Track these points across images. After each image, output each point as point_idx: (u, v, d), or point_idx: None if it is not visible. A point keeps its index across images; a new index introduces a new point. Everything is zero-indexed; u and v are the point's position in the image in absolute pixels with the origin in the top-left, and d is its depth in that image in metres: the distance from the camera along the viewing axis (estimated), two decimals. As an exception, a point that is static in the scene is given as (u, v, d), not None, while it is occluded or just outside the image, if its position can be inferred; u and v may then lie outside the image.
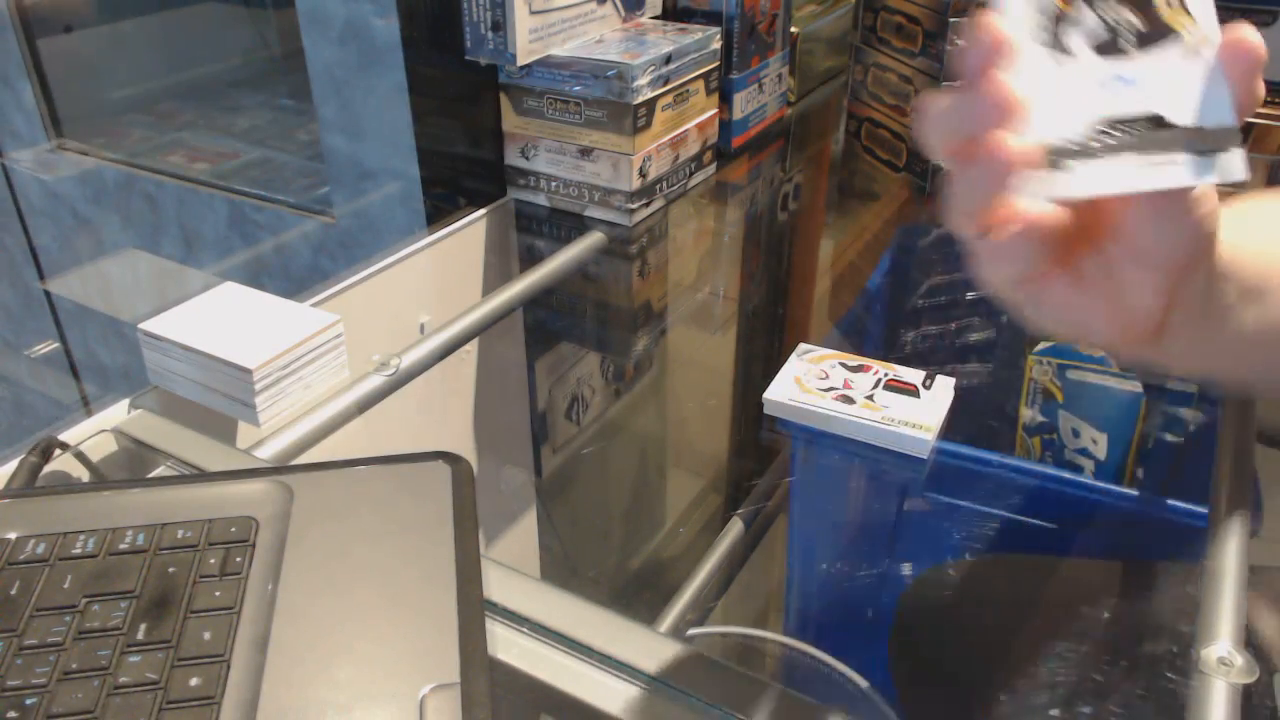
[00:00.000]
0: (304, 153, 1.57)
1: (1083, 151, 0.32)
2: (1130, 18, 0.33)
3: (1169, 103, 0.32)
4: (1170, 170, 0.31)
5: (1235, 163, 0.31)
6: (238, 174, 1.60)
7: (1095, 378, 0.72)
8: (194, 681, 0.40)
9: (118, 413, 0.65)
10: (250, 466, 0.58)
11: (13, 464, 0.57)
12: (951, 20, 0.93)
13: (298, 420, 0.65)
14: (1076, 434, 0.72)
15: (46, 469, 0.58)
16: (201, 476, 0.56)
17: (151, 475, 0.60)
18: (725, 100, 1.04)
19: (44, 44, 1.67)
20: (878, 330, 0.90)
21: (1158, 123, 0.32)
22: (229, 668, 0.41)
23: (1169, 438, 0.77)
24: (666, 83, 0.93)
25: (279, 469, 0.53)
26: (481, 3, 0.88)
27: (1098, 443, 0.70)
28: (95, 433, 0.62)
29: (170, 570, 0.45)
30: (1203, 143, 0.31)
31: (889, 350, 0.84)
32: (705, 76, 0.99)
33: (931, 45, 0.97)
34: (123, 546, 0.46)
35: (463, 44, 0.91)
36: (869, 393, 0.70)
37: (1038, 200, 0.32)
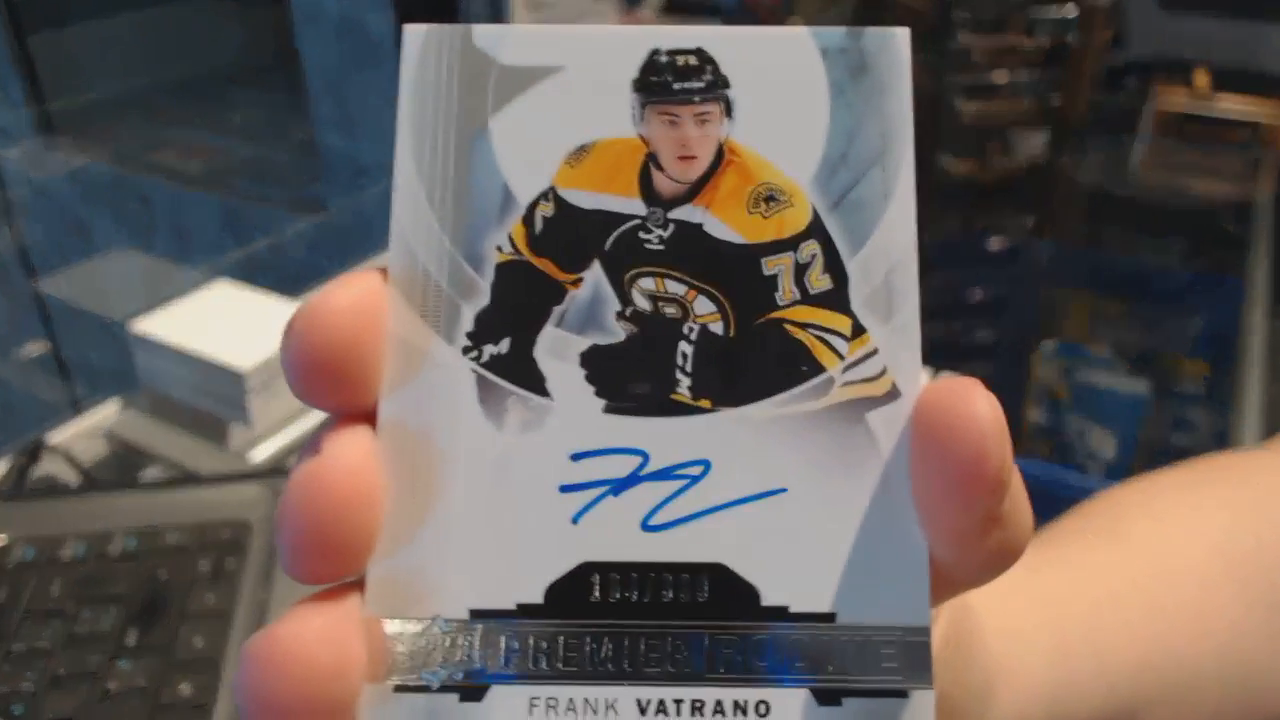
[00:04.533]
0: (298, 150, 1.56)
1: (518, 653, 0.15)
2: (704, 311, 0.15)
3: (761, 542, 0.15)
4: None
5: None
6: (231, 171, 1.59)
7: (1103, 379, 0.71)
8: (185, 688, 0.40)
9: (108, 414, 0.64)
10: (243, 469, 0.58)
11: (1, 466, 0.57)
12: (956, 15, 0.93)
13: (291, 422, 0.65)
14: (1083, 435, 0.71)
15: (35, 471, 0.57)
16: (193, 479, 0.56)
17: (142, 478, 0.60)
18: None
19: (33, 39, 1.66)
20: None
21: (729, 594, 0.15)
22: (221, 674, 0.40)
23: (1177, 439, 0.77)
24: (665, 80, 0.92)
25: (272, 472, 0.53)
26: (478, -2, 0.87)
27: (1105, 444, 0.70)
28: (85, 435, 0.62)
29: (161, 575, 0.44)
30: (845, 670, 0.14)
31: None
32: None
33: (936, 41, 0.96)
34: (113, 551, 0.46)
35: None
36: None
37: None
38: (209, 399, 0.63)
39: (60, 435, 0.61)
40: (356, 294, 0.15)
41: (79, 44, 1.79)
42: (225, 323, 0.65)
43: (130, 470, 0.61)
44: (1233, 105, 1.10)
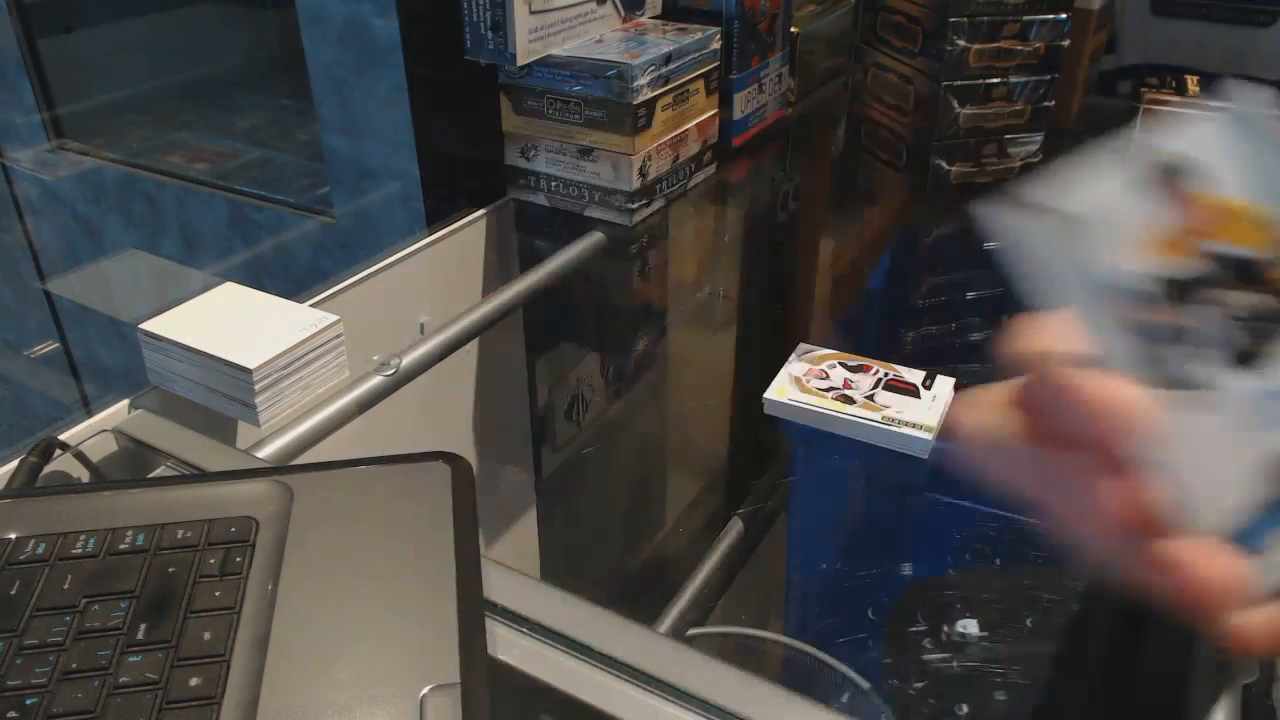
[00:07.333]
0: (304, 153, 1.57)
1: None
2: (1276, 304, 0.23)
3: None
4: None
5: None
6: (238, 174, 1.60)
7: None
8: (194, 682, 0.40)
9: (118, 413, 0.65)
10: (250, 466, 0.58)
11: (13, 464, 0.57)
12: (951, 20, 0.93)
13: (298, 420, 0.65)
14: (1077, 434, 0.72)
15: (47, 469, 0.58)
16: (201, 477, 0.56)
17: (151, 475, 0.60)
18: (725, 100, 1.04)
19: (44, 44, 1.67)
20: (877, 330, 0.90)
21: None
22: (229, 668, 0.41)
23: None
24: (666, 83, 0.93)
25: (279, 469, 0.53)
26: (481, 2, 0.88)
27: (1098, 443, 0.70)
28: (95, 433, 0.62)
29: (170, 570, 0.45)
30: None
31: (889, 350, 0.84)
32: (705, 76, 0.99)
33: (931, 45, 0.97)
34: (123, 547, 0.46)
35: (462, 44, 0.91)
36: (869, 393, 0.70)
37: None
38: (218, 397, 0.64)
39: (71, 434, 0.61)
40: None
41: (89, 48, 1.80)
42: (233, 322, 0.65)
43: (140, 467, 0.61)
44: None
